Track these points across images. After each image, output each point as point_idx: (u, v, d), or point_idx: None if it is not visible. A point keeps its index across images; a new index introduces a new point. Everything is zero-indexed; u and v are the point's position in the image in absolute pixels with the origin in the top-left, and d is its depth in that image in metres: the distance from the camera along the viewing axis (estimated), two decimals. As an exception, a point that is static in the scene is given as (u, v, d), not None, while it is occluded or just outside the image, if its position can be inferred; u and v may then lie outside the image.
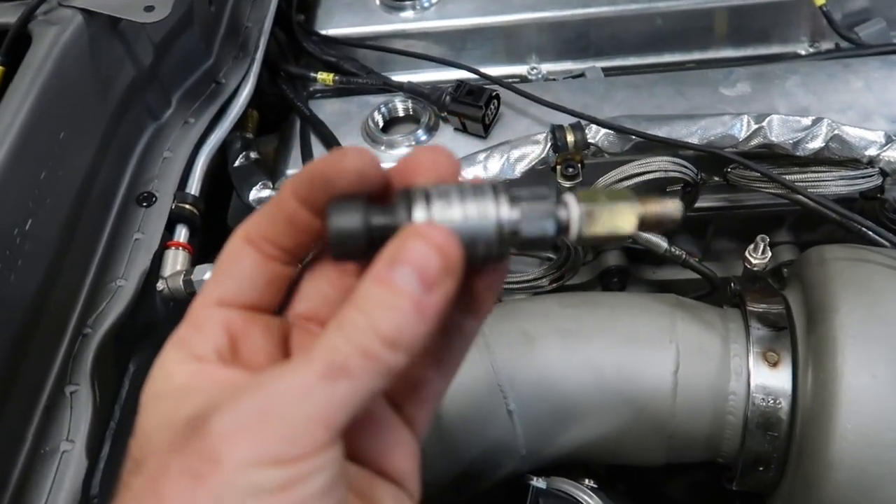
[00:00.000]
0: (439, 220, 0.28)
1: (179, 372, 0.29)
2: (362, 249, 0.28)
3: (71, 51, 0.59)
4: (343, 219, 0.28)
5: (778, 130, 0.71)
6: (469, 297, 0.31)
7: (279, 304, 0.32)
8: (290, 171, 0.80)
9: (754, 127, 0.71)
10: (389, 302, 0.26)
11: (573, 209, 0.30)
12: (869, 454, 0.53)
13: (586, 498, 0.63)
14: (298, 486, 0.25)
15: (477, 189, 0.29)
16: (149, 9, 0.61)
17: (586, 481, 0.67)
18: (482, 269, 0.30)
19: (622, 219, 0.30)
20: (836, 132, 0.69)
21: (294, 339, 0.32)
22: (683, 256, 0.75)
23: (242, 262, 0.31)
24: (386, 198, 0.30)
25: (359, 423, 0.29)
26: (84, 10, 0.61)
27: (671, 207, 0.31)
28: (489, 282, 0.31)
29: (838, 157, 0.70)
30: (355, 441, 0.30)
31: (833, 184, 0.69)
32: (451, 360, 0.32)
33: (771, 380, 0.61)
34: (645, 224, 0.31)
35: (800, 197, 0.68)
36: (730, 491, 0.70)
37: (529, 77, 0.93)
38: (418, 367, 0.31)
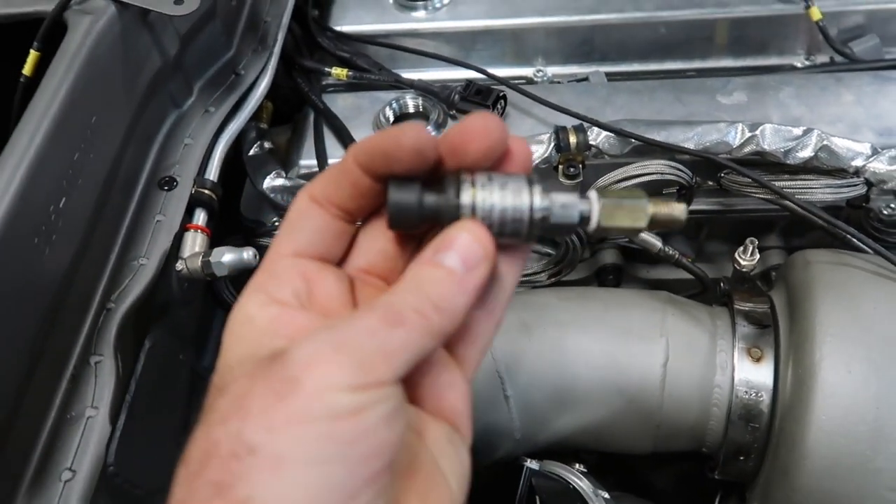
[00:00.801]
0: (481, 204, 0.33)
1: (260, 315, 0.32)
2: (416, 223, 0.34)
3: (104, 40, 0.62)
4: (401, 196, 0.33)
5: (770, 139, 0.74)
6: (509, 254, 0.36)
7: (342, 256, 0.36)
8: (302, 162, 0.83)
9: (748, 135, 0.74)
10: (437, 277, 0.32)
11: (595, 203, 0.35)
12: (842, 445, 0.57)
13: (576, 479, 0.66)
14: (367, 412, 0.28)
15: (515, 179, 0.34)
16: (178, 2, 0.64)
17: (577, 465, 0.70)
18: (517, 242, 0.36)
19: (636, 216, 0.35)
20: (825, 143, 0.73)
21: (358, 289, 0.36)
22: (676, 256, 0.78)
23: (311, 217, 0.35)
24: (438, 169, 0.35)
25: (417, 364, 0.32)
26: (117, 1, 0.64)
27: (678, 211, 0.35)
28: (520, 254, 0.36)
29: (826, 167, 0.73)
30: (412, 381, 0.33)
31: (820, 191, 0.72)
32: (495, 303, 0.36)
33: (754, 374, 0.65)
34: (655, 223, 0.35)
35: (788, 203, 0.72)
36: (712, 480, 0.74)
37: (535, 79, 0.97)
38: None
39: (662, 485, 0.95)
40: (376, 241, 0.36)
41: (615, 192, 0.36)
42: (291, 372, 0.28)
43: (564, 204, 0.34)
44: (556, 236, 0.36)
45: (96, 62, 0.61)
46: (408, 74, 0.94)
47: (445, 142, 0.34)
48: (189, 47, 0.74)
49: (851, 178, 0.73)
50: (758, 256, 0.73)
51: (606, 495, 0.65)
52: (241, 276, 0.89)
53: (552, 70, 0.98)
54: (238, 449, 0.27)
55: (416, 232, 0.35)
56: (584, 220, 0.35)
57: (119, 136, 0.64)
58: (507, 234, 0.34)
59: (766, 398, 0.64)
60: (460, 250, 0.32)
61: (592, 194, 0.35)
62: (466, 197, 0.33)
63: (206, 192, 0.70)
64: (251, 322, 0.32)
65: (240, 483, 0.27)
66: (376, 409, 0.29)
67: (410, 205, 0.33)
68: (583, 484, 0.65)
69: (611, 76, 0.95)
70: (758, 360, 0.65)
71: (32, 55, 0.63)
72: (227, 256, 0.65)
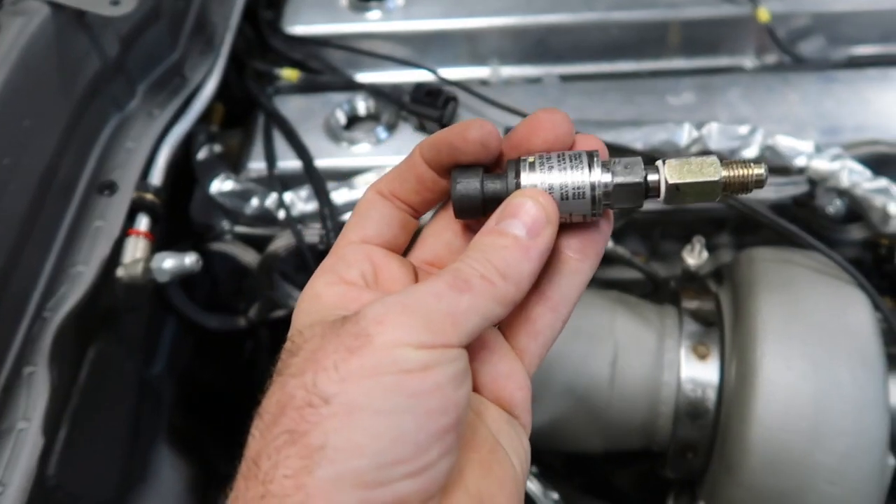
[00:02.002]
0: (541, 183, 0.34)
1: (328, 293, 0.34)
2: (480, 210, 0.35)
3: (36, 42, 0.60)
4: (464, 185, 0.35)
5: (717, 138, 0.75)
6: (578, 241, 0.36)
7: (406, 247, 0.38)
8: (251, 165, 0.82)
9: (695, 134, 0.75)
10: (501, 244, 0.33)
11: (662, 174, 0.34)
12: (783, 440, 0.58)
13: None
14: (434, 370, 0.29)
15: (575, 157, 0.35)
16: (115, 2, 0.63)
17: (532, 467, 0.70)
18: (587, 222, 0.36)
19: (708, 182, 0.34)
20: (769, 142, 0.74)
21: (421, 278, 0.37)
22: (627, 256, 0.79)
23: (378, 208, 0.37)
24: (501, 162, 0.36)
25: (477, 352, 0.33)
26: (51, 3, 0.62)
27: (756, 170, 0.34)
28: (596, 230, 0.37)
29: (772, 165, 0.74)
30: (473, 369, 0.33)
31: (763, 190, 0.73)
32: (560, 298, 0.37)
33: (700, 372, 0.66)
34: (730, 187, 0.34)
35: (733, 201, 0.72)
36: (668, 480, 0.74)
37: (490, 80, 0.97)
38: (530, 302, 0.36)
39: (622, 484, 0.96)
40: (442, 234, 0.38)
41: (685, 161, 0.34)
42: (362, 328, 0.29)
43: (628, 177, 0.34)
44: (626, 210, 0.36)
45: (29, 64, 0.59)
46: (363, 76, 0.94)
47: (511, 136, 0.36)
48: (131, 49, 0.73)
49: (795, 176, 0.74)
50: (706, 255, 0.74)
51: (556, 496, 0.65)
52: (197, 282, 0.88)
53: (507, 71, 0.98)
54: (313, 399, 0.28)
55: (483, 220, 0.36)
56: (652, 190, 0.35)
57: (54, 141, 0.63)
58: (572, 212, 0.35)
59: (712, 395, 0.65)
60: (524, 217, 0.33)
61: (660, 164, 0.35)
62: (526, 178, 0.34)
63: (149, 196, 0.69)
64: (319, 298, 0.34)
65: (314, 431, 0.28)
66: (443, 368, 0.30)
67: (473, 191, 0.35)
68: (532, 486, 0.65)
69: (565, 77, 0.96)
70: (704, 357, 0.66)
71: (-38, 58, 0.61)
72: (168, 262, 0.64)
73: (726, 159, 0.34)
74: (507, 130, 0.76)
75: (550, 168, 0.34)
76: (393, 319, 0.30)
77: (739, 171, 0.34)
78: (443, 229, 0.39)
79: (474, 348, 0.32)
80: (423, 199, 0.37)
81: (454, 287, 0.31)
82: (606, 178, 0.34)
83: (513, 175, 0.35)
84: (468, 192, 0.35)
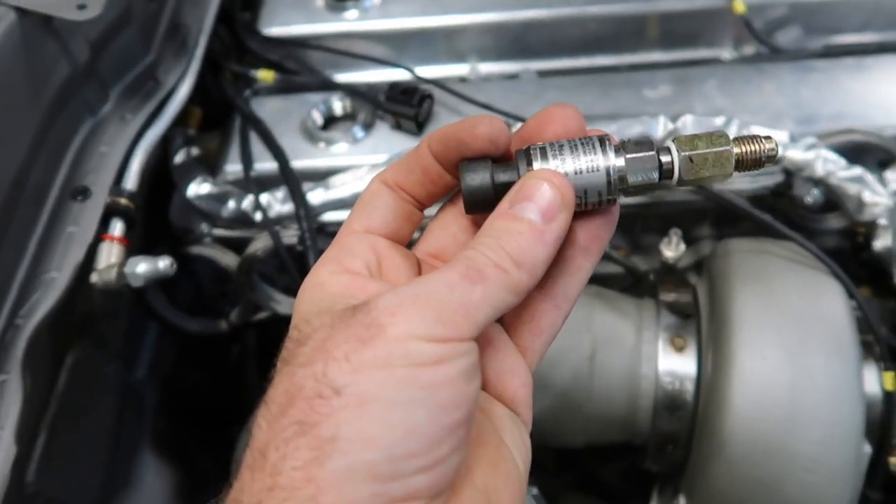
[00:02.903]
0: (555, 169, 0.33)
1: (332, 282, 0.33)
2: (492, 202, 0.34)
3: (3, 48, 0.60)
4: (473, 177, 0.34)
5: (692, 130, 0.75)
6: (584, 237, 0.35)
7: (410, 239, 0.38)
8: (228, 167, 0.82)
9: (671, 127, 0.75)
10: (515, 229, 0.32)
11: (675, 155, 0.34)
12: (758, 430, 0.58)
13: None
14: (447, 363, 0.29)
15: (586, 142, 0.33)
16: (81, 7, 0.62)
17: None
18: (594, 213, 0.35)
19: (721, 161, 0.33)
20: (744, 132, 0.74)
21: (424, 270, 0.37)
22: (607, 250, 0.79)
23: (383, 198, 0.36)
24: (509, 156, 0.35)
25: (482, 349, 0.32)
26: (16, 8, 0.62)
27: (768, 144, 0.33)
28: (601, 224, 0.36)
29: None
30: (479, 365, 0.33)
31: (739, 180, 0.73)
32: (563, 295, 0.36)
33: (677, 364, 0.66)
34: (743, 164, 0.34)
35: (710, 193, 0.72)
36: (653, 473, 0.74)
37: (468, 77, 0.96)
38: (532, 299, 0.35)
39: (609, 479, 0.96)
40: (448, 227, 0.38)
41: (695, 137, 0.34)
42: (374, 319, 0.29)
43: (642, 159, 0.33)
44: (639, 194, 0.35)
45: (-5, 71, 0.59)
46: (342, 76, 0.94)
47: (521, 131, 0.35)
48: (102, 53, 0.73)
49: (770, 166, 0.74)
50: (683, 247, 0.74)
51: (535, 491, 0.65)
52: (178, 286, 0.88)
53: (485, 67, 0.97)
54: (323, 390, 0.28)
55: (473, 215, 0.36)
56: (666, 173, 0.34)
57: (24, 147, 0.62)
58: (587, 198, 0.33)
59: (689, 387, 0.65)
60: (538, 201, 0.32)
61: (672, 145, 0.34)
62: (539, 165, 0.33)
63: (123, 201, 0.68)
64: (322, 286, 0.33)
65: (325, 422, 0.27)
66: (456, 362, 0.29)
67: (484, 184, 0.34)
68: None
69: (543, 73, 0.96)
70: (681, 349, 0.66)
71: (-72, 66, 0.61)
72: (141, 266, 0.63)
73: (737, 136, 0.34)
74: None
75: (562, 153, 0.33)
76: (405, 311, 0.29)
77: (751, 146, 0.33)
78: (449, 222, 0.38)
79: (479, 345, 0.32)
80: (429, 193, 0.36)
81: (467, 277, 0.30)
82: (620, 160, 0.33)
83: (524, 163, 0.33)
84: (478, 183, 0.34)
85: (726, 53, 0.97)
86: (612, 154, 0.33)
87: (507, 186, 0.33)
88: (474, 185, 0.34)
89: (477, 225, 0.37)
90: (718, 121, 0.75)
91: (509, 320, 0.36)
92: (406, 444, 0.27)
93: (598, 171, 0.33)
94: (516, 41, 0.97)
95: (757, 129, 0.74)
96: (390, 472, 0.27)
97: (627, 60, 0.96)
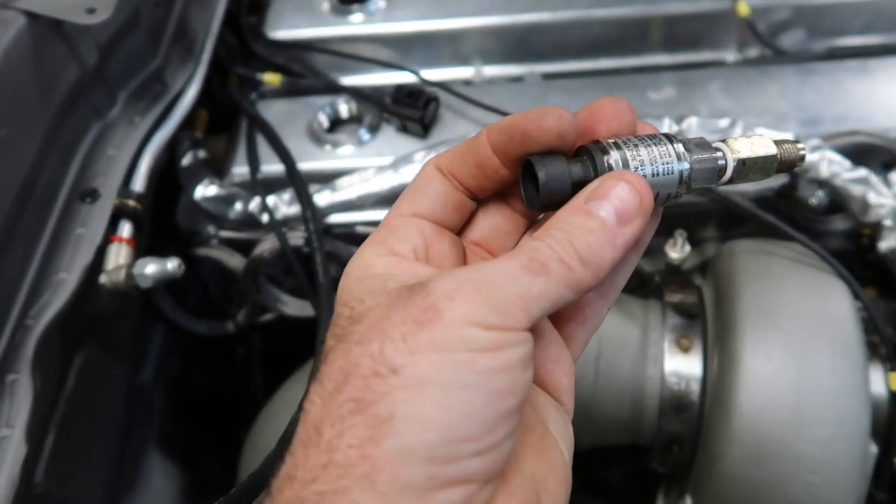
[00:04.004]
0: (633, 163, 0.32)
1: (379, 263, 0.33)
2: (566, 195, 0.32)
3: (13, 51, 0.61)
4: (552, 172, 0.32)
5: (697, 132, 0.75)
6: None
7: (459, 228, 0.37)
8: (235, 170, 0.82)
9: (675, 128, 0.75)
10: (587, 226, 0.31)
11: (729, 159, 0.34)
12: (764, 430, 0.58)
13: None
14: (504, 351, 0.28)
15: (659, 142, 0.33)
16: (90, 11, 0.63)
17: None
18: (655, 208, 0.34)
19: (767, 165, 0.34)
20: (748, 134, 0.74)
21: (469, 258, 0.36)
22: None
23: (434, 184, 0.35)
24: (571, 149, 0.34)
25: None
26: (27, 12, 0.63)
27: (799, 146, 0.35)
28: (652, 219, 0.35)
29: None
30: None
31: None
32: (611, 286, 0.36)
33: (683, 365, 0.66)
34: (782, 166, 0.35)
35: (716, 195, 0.73)
36: (658, 474, 0.74)
37: (473, 80, 0.97)
38: None
39: (614, 481, 0.96)
40: (492, 216, 0.37)
41: (740, 141, 0.34)
42: (432, 302, 0.28)
43: (707, 161, 0.33)
44: (693, 192, 0.35)
45: (6, 74, 0.60)
46: (347, 79, 0.94)
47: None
48: (111, 57, 0.73)
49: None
50: (688, 248, 0.74)
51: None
52: (185, 288, 0.88)
53: (490, 70, 0.98)
54: (380, 369, 0.28)
55: (538, 213, 0.35)
56: (720, 174, 0.34)
57: (34, 149, 0.63)
58: (659, 194, 0.33)
59: (695, 388, 0.65)
60: (616, 201, 0.31)
61: (725, 148, 0.34)
62: (616, 156, 0.32)
63: (132, 203, 0.69)
64: (370, 268, 0.33)
65: (382, 401, 0.27)
66: (512, 350, 0.29)
67: (562, 179, 0.32)
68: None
69: (547, 75, 0.96)
70: (687, 350, 0.66)
71: (-61, 69, 0.61)
72: (150, 267, 0.64)
73: (774, 140, 0.35)
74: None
75: (639, 152, 0.32)
76: (464, 297, 0.28)
77: (788, 148, 0.35)
78: (493, 211, 0.37)
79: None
80: (480, 186, 0.35)
81: (529, 269, 0.30)
82: (686, 163, 0.33)
83: (601, 160, 0.32)
84: (555, 177, 0.32)
85: (730, 56, 0.97)
86: (685, 159, 0.33)
87: (582, 181, 0.32)
88: (553, 181, 0.32)
89: (522, 215, 0.37)
90: (723, 123, 0.75)
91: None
92: (462, 428, 0.27)
93: (672, 173, 0.32)
94: (520, 44, 0.97)
95: (762, 131, 0.74)
96: (446, 454, 0.27)
97: (631, 63, 0.97)
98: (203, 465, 0.92)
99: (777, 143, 0.35)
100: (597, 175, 0.32)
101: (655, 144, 0.33)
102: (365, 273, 0.33)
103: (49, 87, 0.65)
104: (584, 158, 0.33)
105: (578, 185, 0.32)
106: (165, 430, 0.88)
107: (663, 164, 0.32)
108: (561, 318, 0.35)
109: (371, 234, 0.35)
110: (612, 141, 0.33)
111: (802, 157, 0.35)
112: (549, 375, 0.34)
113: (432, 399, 0.27)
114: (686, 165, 0.33)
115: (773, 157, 0.34)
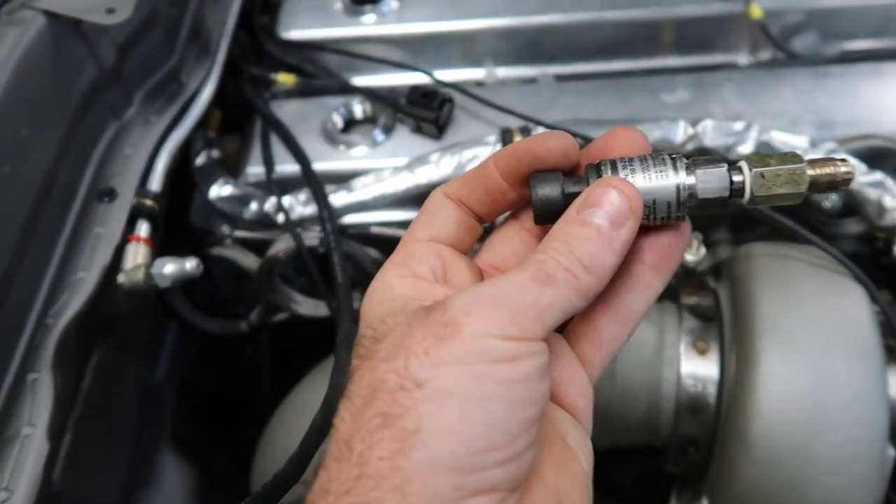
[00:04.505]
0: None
1: (399, 285, 0.35)
2: (560, 213, 0.34)
3: (33, 51, 0.61)
4: (545, 188, 0.35)
5: (712, 135, 0.75)
6: (653, 255, 0.36)
7: (470, 250, 0.39)
8: (249, 170, 0.83)
9: (691, 132, 0.76)
10: (584, 234, 0.32)
11: (747, 174, 0.34)
12: (782, 433, 0.58)
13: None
14: (522, 362, 0.30)
15: (657, 157, 0.34)
16: (110, 11, 0.63)
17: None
18: (664, 230, 0.35)
19: (794, 181, 0.33)
20: (764, 137, 0.74)
21: (486, 279, 0.37)
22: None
23: (446, 210, 0.38)
24: (577, 171, 0.36)
25: None
26: (47, 12, 0.63)
27: (843, 168, 0.33)
28: (671, 242, 0.36)
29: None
30: None
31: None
32: (628, 311, 0.36)
33: (700, 367, 0.66)
34: (816, 186, 0.33)
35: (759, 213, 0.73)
36: (670, 476, 0.75)
37: (485, 81, 0.97)
38: (596, 312, 0.36)
39: (625, 482, 0.96)
40: (509, 241, 0.39)
41: (769, 157, 0.33)
42: (450, 318, 0.30)
43: (712, 177, 0.33)
44: (709, 212, 0.35)
45: (25, 74, 0.60)
46: (359, 80, 0.94)
47: (587, 151, 0.36)
48: (128, 57, 0.73)
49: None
50: (704, 251, 0.74)
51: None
52: (197, 287, 0.89)
53: (502, 72, 0.98)
54: (405, 383, 0.29)
55: (541, 226, 0.37)
56: (737, 191, 0.34)
57: (53, 149, 0.63)
58: (655, 212, 0.34)
59: (712, 390, 0.65)
60: (606, 207, 0.33)
61: (744, 164, 0.34)
62: (608, 169, 0.34)
63: (149, 202, 0.69)
64: (391, 289, 0.34)
65: (408, 414, 0.28)
66: (529, 360, 0.30)
67: (554, 194, 0.34)
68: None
69: (559, 77, 0.96)
70: (703, 352, 0.66)
71: (-40, 68, 0.61)
72: (168, 267, 0.64)
73: (810, 159, 0.33)
74: (504, 132, 0.77)
75: (632, 167, 0.34)
76: (481, 311, 0.30)
77: (827, 168, 0.33)
78: (510, 235, 0.39)
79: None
80: (489, 210, 0.38)
81: (538, 280, 0.31)
82: (690, 178, 0.33)
83: (594, 174, 0.34)
84: (549, 194, 0.35)
85: (742, 59, 0.97)
86: (682, 171, 0.34)
87: (575, 196, 0.34)
88: (545, 195, 0.35)
89: (538, 238, 0.38)
90: (738, 126, 0.75)
91: (571, 331, 0.37)
92: (486, 438, 0.28)
93: (667, 184, 0.33)
94: (532, 46, 0.97)
95: (777, 135, 0.74)
96: (472, 464, 0.28)
97: (644, 65, 0.97)
98: (214, 463, 0.92)
99: (815, 161, 0.33)
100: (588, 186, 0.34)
101: (653, 160, 0.34)
102: (386, 295, 0.34)
103: (68, 86, 0.66)
104: (580, 176, 0.35)
105: (573, 199, 0.34)
106: (177, 429, 0.88)
107: (657, 175, 0.33)
108: (577, 340, 0.36)
109: (390, 257, 0.37)
110: (611, 160, 0.34)
111: (848, 177, 0.33)
112: (564, 395, 0.36)
113: (456, 410, 0.28)
114: (685, 180, 0.33)
115: (800, 170, 0.33)
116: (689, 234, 0.37)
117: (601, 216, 0.32)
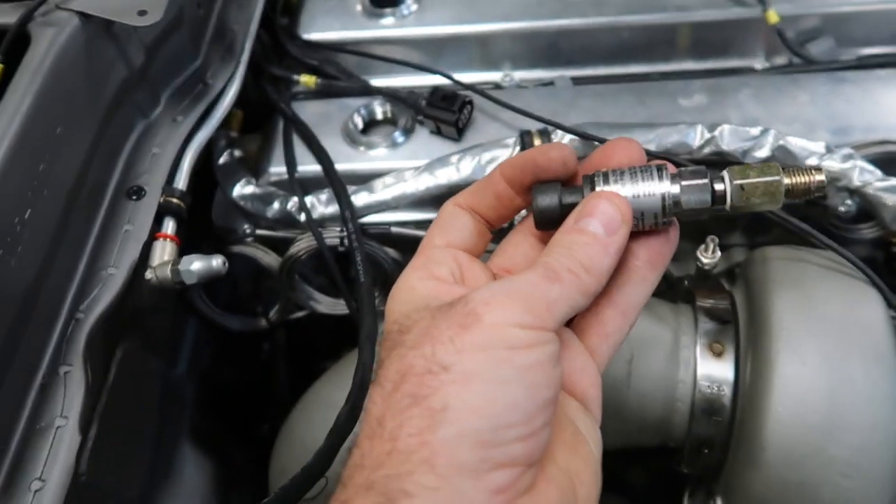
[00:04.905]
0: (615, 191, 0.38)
1: (421, 286, 0.38)
2: (559, 221, 0.39)
3: (67, 51, 0.62)
4: (544, 198, 0.39)
5: (729, 139, 0.76)
6: (647, 252, 0.40)
7: (482, 254, 0.43)
8: (272, 169, 0.84)
9: (707, 136, 0.76)
10: (583, 241, 0.37)
11: (727, 185, 0.38)
12: (797, 435, 0.59)
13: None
14: (537, 348, 0.33)
15: (645, 170, 0.38)
16: (142, 13, 0.64)
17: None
18: (655, 232, 0.40)
19: (770, 193, 0.37)
20: (781, 142, 0.75)
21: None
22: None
23: (460, 218, 0.42)
24: (575, 180, 0.41)
25: None
26: (80, 13, 0.64)
27: (818, 176, 0.37)
28: (662, 241, 0.40)
29: (783, 166, 0.75)
30: None
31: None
32: (629, 303, 0.40)
33: (715, 369, 0.67)
34: (793, 193, 0.37)
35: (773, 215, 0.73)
36: (682, 475, 0.76)
37: (502, 84, 0.98)
38: (601, 306, 0.40)
39: (636, 482, 0.97)
40: (520, 245, 0.43)
41: (747, 167, 0.37)
42: (471, 309, 0.33)
43: (695, 187, 0.37)
44: (694, 218, 0.39)
45: (60, 74, 0.61)
46: (377, 81, 0.95)
47: (588, 160, 0.40)
48: (155, 57, 0.75)
49: (806, 176, 0.75)
50: (719, 254, 0.75)
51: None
52: (216, 284, 0.90)
53: (519, 75, 0.99)
54: (432, 367, 0.32)
55: (541, 230, 0.41)
56: (719, 199, 0.38)
57: (85, 147, 0.64)
58: (644, 219, 0.38)
59: (727, 392, 0.66)
60: (600, 216, 0.37)
61: (725, 174, 0.38)
62: (601, 188, 0.38)
63: (175, 200, 0.71)
64: (414, 290, 0.38)
65: (435, 395, 0.31)
66: (544, 347, 0.33)
67: (553, 202, 0.39)
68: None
69: (576, 80, 0.97)
70: (719, 354, 0.67)
71: (-4, 67, 0.63)
72: (195, 264, 0.65)
73: (787, 167, 0.37)
74: (524, 134, 0.79)
75: (623, 179, 0.38)
76: (499, 302, 0.33)
77: (802, 178, 0.37)
78: (520, 241, 0.43)
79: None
80: (499, 215, 0.42)
81: (546, 278, 0.35)
82: (675, 187, 0.37)
83: (588, 187, 0.38)
84: (548, 203, 0.39)
85: (757, 63, 0.98)
86: (667, 181, 0.38)
87: (573, 207, 0.39)
88: (545, 204, 0.39)
89: (544, 243, 0.41)
90: (754, 131, 0.76)
91: (580, 325, 0.40)
92: (506, 416, 0.31)
93: (653, 195, 0.37)
94: (550, 49, 0.98)
95: (793, 140, 0.75)
96: (493, 439, 0.31)
97: (660, 69, 0.98)
98: (232, 458, 0.94)
99: (790, 170, 0.37)
100: (583, 196, 0.39)
101: (642, 172, 0.38)
102: (410, 296, 0.38)
103: (99, 86, 0.67)
104: (576, 186, 0.39)
105: (570, 208, 0.38)
106: (197, 424, 0.90)
107: (645, 186, 0.38)
108: (586, 333, 0.40)
109: (411, 262, 0.40)
110: (603, 172, 0.39)
111: (821, 186, 0.37)
112: (576, 385, 0.39)
113: (479, 391, 0.31)
114: (670, 189, 0.37)
115: (777, 182, 0.37)
116: (678, 235, 0.40)
117: (596, 224, 0.37)
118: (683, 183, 0.38)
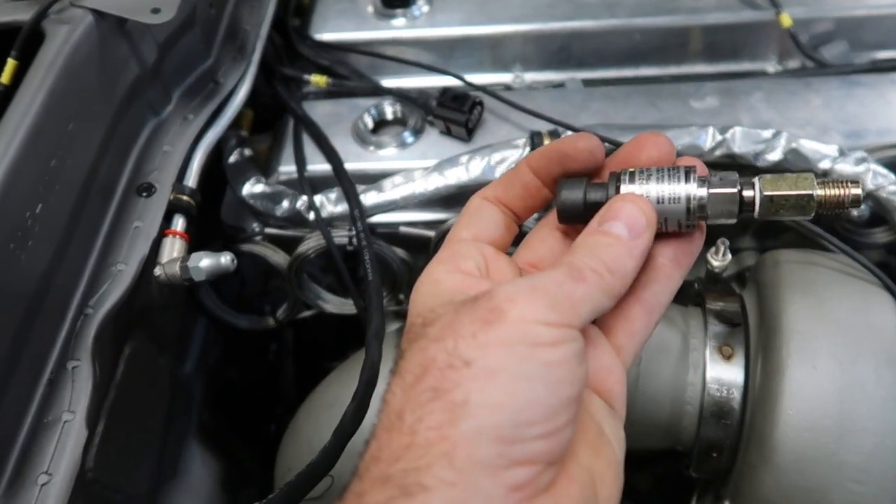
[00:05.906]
0: (640, 192, 0.37)
1: (447, 280, 0.38)
2: (581, 215, 0.38)
3: (81, 48, 0.63)
4: (569, 193, 0.39)
5: (741, 142, 0.76)
6: (673, 251, 0.40)
7: (508, 247, 0.42)
8: (282, 168, 0.84)
9: (719, 138, 0.76)
10: (606, 242, 0.36)
11: (757, 195, 0.36)
12: (807, 439, 0.58)
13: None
14: (562, 346, 0.32)
15: (673, 171, 0.37)
16: (155, 11, 0.65)
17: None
18: (681, 233, 0.39)
19: (802, 204, 0.36)
20: (793, 145, 0.75)
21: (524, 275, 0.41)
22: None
23: (485, 210, 0.41)
24: (600, 174, 0.40)
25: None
26: (94, 11, 0.65)
27: (853, 189, 0.35)
28: (689, 241, 0.40)
29: (795, 169, 0.75)
30: None
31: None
32: (655, 301, 0.40)
33: (725, 372, 0.66)
34: (825, 205, 0.36)
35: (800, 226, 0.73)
36: (690, 479, 0.75)
37: (513, 85, 0.98)
38: (628, 303, 0.39)
39: (643, 486, 0.96)
40: (546, 240, 0.43)
41: (780, 178, 0.36)
42: (496, 304, 0.33)
43: (723, 192, 0.36)
44: (721, 223, 0.38)
45: (73, 70, 0.62)
46: (388, 82, 0.95)
47: (616, 155, 0.40)
48: (167, 55, 0.75)
49: (818, 179, 0.74)
50: (729, 257, 0.74)
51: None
52: (224, 283, 0.90)
53: (530, 76, 0.99)
54: (454, 361, 0.32)
55: (584, 225, 0.40)
56: (747, 206, 0.37)
57: (96, 144, 0.65)
58: (667, 223, 0.37)
59: (737, 395, 0.66)
60: (625, 219, 0.36)
61: (755, 181, 0.36)
62: (626, 187, 0.37)
63: (185, 198, 0.71)
64: (439, 283, 0.37)
65: (457, 389, 0.31)
66: (568, 345, 0.33)
67: (577, 197, 0.38)
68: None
69: (588, 82, 0.97)
70: (729, 357, 0.67)
71: (10, 64, 0.63)
72: (204, 261, 0.66)
73: (822, 178, 0.36)
74: (534, 135, 0.78)
75: (649, 179, 0.37)
76: (523, 298, 0.33)
77: (835, 190, 0.35)
78: (547, 235, 0.43)
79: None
80: (526, 206, 0.42)
81: (571, 277, 0.34)
82: (702, 191, 0.36)
83: (614, 184, 0.38)
84: (572, 198, 0.38)
85: (770, 67, 0.98)
86: (694, 185, 0.36)
87: (597, 204, 0.38)
88: (568, 199, 0.38)
89: (570, 238, 0.41)
90: (767, 133, 0.76)
91: (606, 323, 0.39)
92: (528, 412, 0.31)
93: (678, 200, 0.37)
94: (561, 51, 0.98)
95: (806, 143, 0.75)
96: (514, 435, 0.30)
97: (672, 72, 0.97)
98: (239, 456, 0.94)
99: (826, 182, 0.36)
100: (608, 196, 0.38)
101: (668, 175, 0.37)
102: (434, 289, 0.37)
103: (112, 83, 0.67)
104: (601, 183, 0.39)
105: (593, 204, 0.38)
106: (204, 421, 0.90)
107: (670, 190, 0.36)
108: (612, 330, 0.39)
109: (436, 254, 0.40)
110: (630, 171, 0.38)
111: (856, 200, 0.35)
112: (602, 383, 0.38)
113: (500, 387, 0.31)
114: (696, 193, 0.36)
115: (808, 196, 0.35)
116: (703, 236, 0.40)
117: (620, 227, 0.36)
118: (711, 191, 0.37)
